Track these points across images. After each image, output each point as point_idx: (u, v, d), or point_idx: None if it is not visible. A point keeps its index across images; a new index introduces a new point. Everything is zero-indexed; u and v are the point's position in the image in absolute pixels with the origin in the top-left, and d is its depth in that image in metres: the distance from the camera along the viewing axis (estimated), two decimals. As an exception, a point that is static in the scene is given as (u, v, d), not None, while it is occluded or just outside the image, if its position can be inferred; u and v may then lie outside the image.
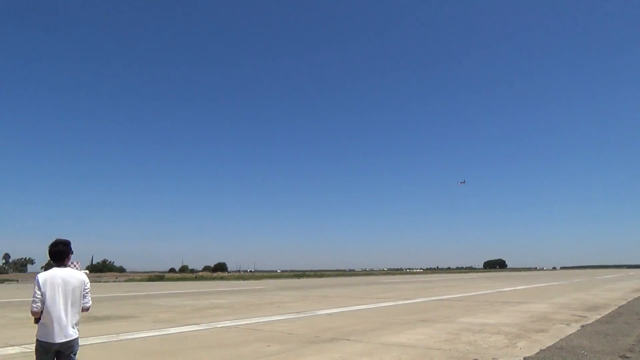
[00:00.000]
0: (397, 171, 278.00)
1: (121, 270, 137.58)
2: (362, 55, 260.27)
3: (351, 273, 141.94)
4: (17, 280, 78.71)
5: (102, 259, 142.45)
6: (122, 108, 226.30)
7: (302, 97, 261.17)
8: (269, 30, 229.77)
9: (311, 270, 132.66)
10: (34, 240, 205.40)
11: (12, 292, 34.91)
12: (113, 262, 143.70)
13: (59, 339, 4.28)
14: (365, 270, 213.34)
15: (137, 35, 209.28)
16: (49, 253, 4.49)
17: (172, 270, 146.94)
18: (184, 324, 12.97)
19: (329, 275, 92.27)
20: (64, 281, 4.38)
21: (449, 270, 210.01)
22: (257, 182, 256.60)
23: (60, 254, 4.47)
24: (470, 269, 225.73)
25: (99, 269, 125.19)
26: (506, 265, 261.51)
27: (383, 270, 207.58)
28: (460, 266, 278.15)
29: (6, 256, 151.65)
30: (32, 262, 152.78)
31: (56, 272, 4.41)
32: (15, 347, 9.19)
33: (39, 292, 4.27)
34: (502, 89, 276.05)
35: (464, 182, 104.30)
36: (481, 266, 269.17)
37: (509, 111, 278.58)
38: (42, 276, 4.35)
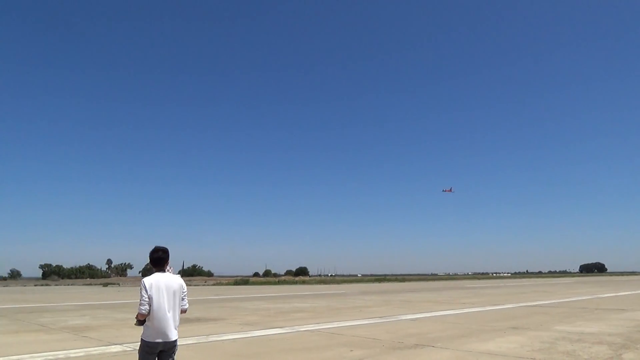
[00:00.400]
0: (482, 171, 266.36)
1: (209, 274, 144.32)
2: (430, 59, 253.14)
3: (433, 277, 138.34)
4: (119, 284, 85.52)
5: (192, 264, 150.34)
6: (205, 115, 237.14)
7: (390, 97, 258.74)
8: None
9: (392, 275, 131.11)
10: (132, 246, 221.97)
11: (114, 295, 37.87)
12: (202, 267, 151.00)
13: (164, 339, 4.54)
14: (449, 274, 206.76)
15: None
16: (150, 259, 4.76)
17: (256, 274, 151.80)
18: (269, 327, 13.30)
19: (410, 280, 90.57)
20: (167, 285, 4.64)
21: (540, 274, 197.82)
22: (338, 187, 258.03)
23: (160, 260, 4.75)
24: (564, 273, 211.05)
25: (190, 273, 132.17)
26: (605, 269, 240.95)
27: (467, 274, 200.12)
28: (552, 270, 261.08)
29: (109, 261, 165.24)
30: (130, 267, 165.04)
31: (159, 276, 4.67)
32: (117, 346, 9.92)
33: (146, 295, 4.51)
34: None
35: (450, 190, 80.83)
36: (576, 270, 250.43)
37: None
38: (148, 280, 4.60)
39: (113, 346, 9.94)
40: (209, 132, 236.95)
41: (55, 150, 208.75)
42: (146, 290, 4.52)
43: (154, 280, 4.61)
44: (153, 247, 4.79)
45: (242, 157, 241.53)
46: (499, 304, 21.70)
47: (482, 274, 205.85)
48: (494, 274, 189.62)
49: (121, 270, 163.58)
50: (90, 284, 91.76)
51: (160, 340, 4.52)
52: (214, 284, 68.09)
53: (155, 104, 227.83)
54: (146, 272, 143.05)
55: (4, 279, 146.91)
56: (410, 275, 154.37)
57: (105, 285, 78.93)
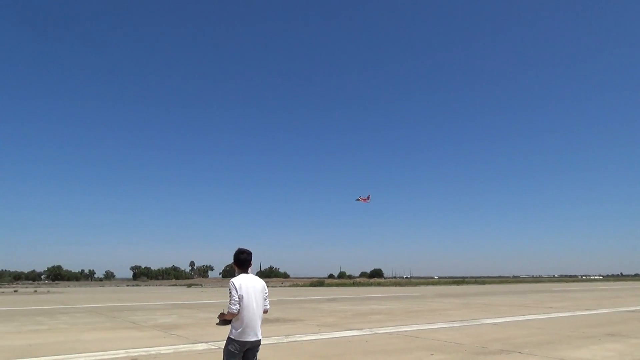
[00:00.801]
0: (573, 169, 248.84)
1: (285, 275, 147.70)
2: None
3: (516, 280, 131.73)
4: (201, 285, 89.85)
5: (269, 266, 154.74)
6: (280, 118, 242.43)
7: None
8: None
9: (471, 277, 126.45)
10: (212, 249, 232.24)
11: (198, 296, 39.81)
12: (278, 268, 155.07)
13: (252, 338, 4.67)
14: (533, 277, 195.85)
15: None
16: (236, 260, 4.88)
17: (330, 276, 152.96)
18: (346, 328, 13.31)
19: (490, 282, 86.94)
20: (253, 286, 4.78)
21: (637, 277, 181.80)
22: (412, 188, 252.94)
23: (245, 261, 4.88)
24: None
25: (267, 275, 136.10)
26: None
27: (553, 277, 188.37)
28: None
29: (191, 263, 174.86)
30: (211, 268, 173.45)
31: (246, 277, 4.80)
32: (203, 344, 10.38)
33: (236, 295, 4.63)
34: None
35: (367, 199, 59.93)
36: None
37: None
38: (237, 281, 4.71)
39: (199, 344, 10.41)
40: (287, 134, 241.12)
41: (142, 155, 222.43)
42: (236, 290, 4.63)
43: (243, 281, 4.72)
44: (237, 249, 4.90)
45: (316, 159, 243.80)
46: (590, 309, 20.21)
47: (570, 276, 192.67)
48: (584, 277, 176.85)
49: (203, 272, 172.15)
50: (175, 285, 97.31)
51: (248, 339, 4.64)
52: (290, 285, 69.50)
53: (230, 107, 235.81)
54: (226, 273, 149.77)
55: (100, 279, 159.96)
56: (491, 277, 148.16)
57: (189, 286, 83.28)
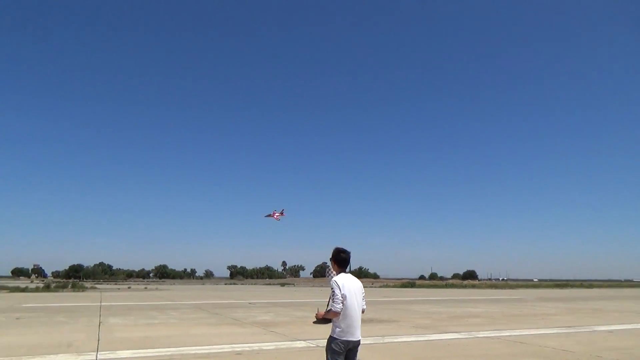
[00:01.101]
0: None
1: (375, 276, 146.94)
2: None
3: (628, 284, 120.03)
4: (294, 284, 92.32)
5: (359, 266, 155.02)
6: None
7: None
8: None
9: (576, 280, 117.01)
10: (303, 249, 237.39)
11: (291, 294, 40.94)
12: (367, 269, 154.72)
13: (356, 337, 4.70)
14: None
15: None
16: (336, 259, 4.90)
17: (421, 277, 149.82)
18: (443, 331, 12.97)
19: (599, 286, 79.94)
20: (354, 285, 4.81)
21: None
22: (508, 183, 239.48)
23: (345, 261, 4.91)
24: None
25: (356, 275, 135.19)
26: None
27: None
28: None
29: (283, 263, 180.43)
30: (302, 268, 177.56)
31: (346, 277, 4.81)
32: (302, 342, 10.67)
33: (339, 294, 4.64)
34: None
35: (280, 215, 50.90)
36: None
37: None
38: (340, 280, 4.73)
39: (298, 342, 10.72)
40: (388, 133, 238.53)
41: (234, 159, 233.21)
42: (340, 289, 4.64)
43: (345, 280, 4.73)
44: (336, 248, 4.93)
45: (413, 156, 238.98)
46: None
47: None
48: None
49: (294, 272, 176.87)
50: (269, 284, 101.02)
51: (351, 339, 4.65)
52: (380, 286, 69.10)
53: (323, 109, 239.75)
54: (316, 273, 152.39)
55: (200, 277, 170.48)
56: (598, 281, 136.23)
57: (282, 285, 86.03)
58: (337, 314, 4.63)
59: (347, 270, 4.98)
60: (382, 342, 10.81)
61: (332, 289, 4.69)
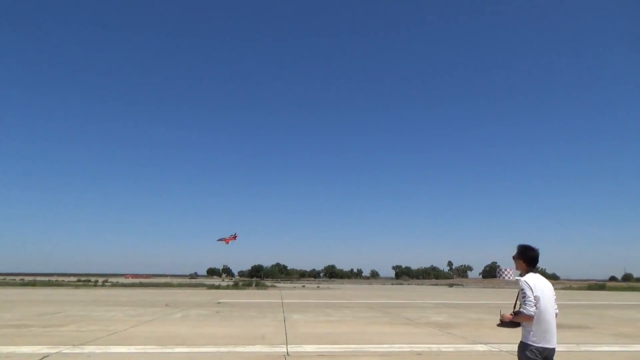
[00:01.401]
0: None
1: (555, 277, 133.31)
2: None
3: None
4: (462, 285, 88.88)
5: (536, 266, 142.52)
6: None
7: None
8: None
9: None
10: (470, 249, 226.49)
11: (462, 296, 39.41)
12: (545, 269, 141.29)
13: (552, 344, 4.25)
14: None
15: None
16: (525, 258, 4.48)
17: (612, 278, 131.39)
18: (654, 341, 11.14)
19: None
20: (547, 287, 4.36)
21: None
22: None
23: (535, 259, 4.47)
24: None
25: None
26: None
27: None
28: None
29: (449, 263, 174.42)
30: (470, 268, 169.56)
31: (537, 277, 4.37)
32: (483, 345, 10.14)
33: (532, 296, 4.23)
34: None
35: (230, 239, 56.53)
36: None
37: None
38: (532, 280, 4.32)
39: (479, 345, 10.22)
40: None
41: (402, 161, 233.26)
42: (532, 291, 4.23)
43: (537, 281, 4.30)
44: (524, 246, 4.51)
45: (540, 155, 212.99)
46: None
47: None
48: None
49: (462, 272, 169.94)
50: (436, 284, 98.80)
51: (547, 346, 4.21)
52: (561, 288, 62.37)
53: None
54: (485, 273, 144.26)
55: (367, 277, 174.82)
56: None
57: (450, 285, 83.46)
58: (530, 317, 4.20)
59: (515, 273, 4.50)
60: (577, 350, 9.70)
61: (522, 289, 4.28)
